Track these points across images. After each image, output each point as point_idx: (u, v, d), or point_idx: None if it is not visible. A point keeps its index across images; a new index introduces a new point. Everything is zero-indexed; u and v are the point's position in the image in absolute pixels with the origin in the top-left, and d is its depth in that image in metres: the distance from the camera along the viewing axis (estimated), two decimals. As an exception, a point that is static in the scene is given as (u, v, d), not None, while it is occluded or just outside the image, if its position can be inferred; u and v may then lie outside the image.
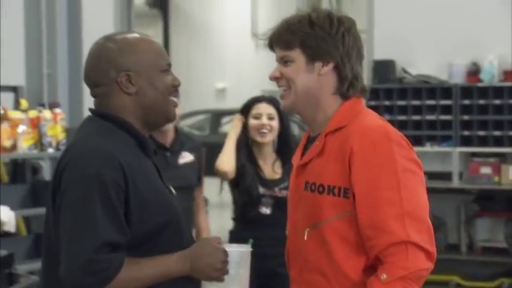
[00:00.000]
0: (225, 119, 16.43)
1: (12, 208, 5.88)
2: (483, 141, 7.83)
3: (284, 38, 2.52)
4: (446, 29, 8.05)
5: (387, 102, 8.08)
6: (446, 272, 7.55)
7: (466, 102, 7.84)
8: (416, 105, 8.03)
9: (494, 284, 7.68)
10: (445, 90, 7.92)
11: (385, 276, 2.33)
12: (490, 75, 7.80)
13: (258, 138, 4.53)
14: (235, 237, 4.46)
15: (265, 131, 4.51)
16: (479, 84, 7.82)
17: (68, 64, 8.39)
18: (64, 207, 2.29)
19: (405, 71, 8.16)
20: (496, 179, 7.77)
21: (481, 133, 7.82)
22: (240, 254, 2.46)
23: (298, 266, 2.55)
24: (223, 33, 18.80)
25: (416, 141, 7.82)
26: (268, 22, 16.53)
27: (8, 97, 6.93)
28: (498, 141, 7.80)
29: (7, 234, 5.86)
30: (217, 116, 16.61)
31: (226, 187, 4.68)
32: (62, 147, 6.11)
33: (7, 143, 6.02)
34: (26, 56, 8.17)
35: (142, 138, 2.45)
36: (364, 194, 2.38)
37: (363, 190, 2.39)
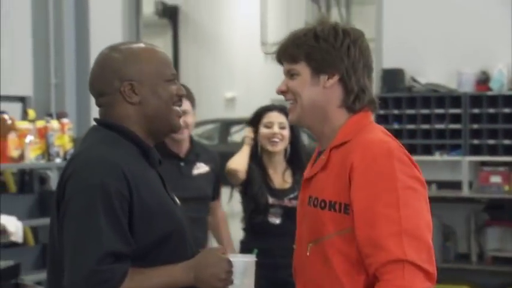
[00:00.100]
0: (234, 129, 16.46)
1: (20, 218, 5.89)
2: (493, 150, 7.78)
3: (290, 52, 2.51)
4: (456, 37, 8.02)
5: (396, 111, 8.04)
6: (456, 282, 7.52)
7: (476, 111, 7.80)
8: (426, 114, 7.99)
9: (505, 293, 7.66)
10: (455, 99, 7.88)
11: None
12: (499, 84, 7.76)
13: (269, 147, 4.50)
14: (246, 247, 4.42)
15: (276, 140, 4.48)
16: (489, 93, 7.78)
17: (75, 74, 8.39)
18: (68, 216, 2.29)
19: (414, 80, 8.12)
20: (506, 188, 7.72)
21: (491, 142, 7.77)
22: (244, 264, 2.45)
23: (302, 282, 2.53)
24: (233, 42, 18.82)
25: (426, 150, 7.79)
26: (277, 31, 16.65)
27: (16, 107, 6.95)
28: (508, 150, 7.74)
29: (14, 245, 5.86)
30: (226, 126, 16.64)
31: (236, 196, 4.65)
32: (70, 157, 6.11)
33: (15, 153, 6.03)
34: (34, 67, 8.18)
35: (146, 148, 2.45)
36: (363, 210, 2.33)
37: (362, 206, 2.34)
